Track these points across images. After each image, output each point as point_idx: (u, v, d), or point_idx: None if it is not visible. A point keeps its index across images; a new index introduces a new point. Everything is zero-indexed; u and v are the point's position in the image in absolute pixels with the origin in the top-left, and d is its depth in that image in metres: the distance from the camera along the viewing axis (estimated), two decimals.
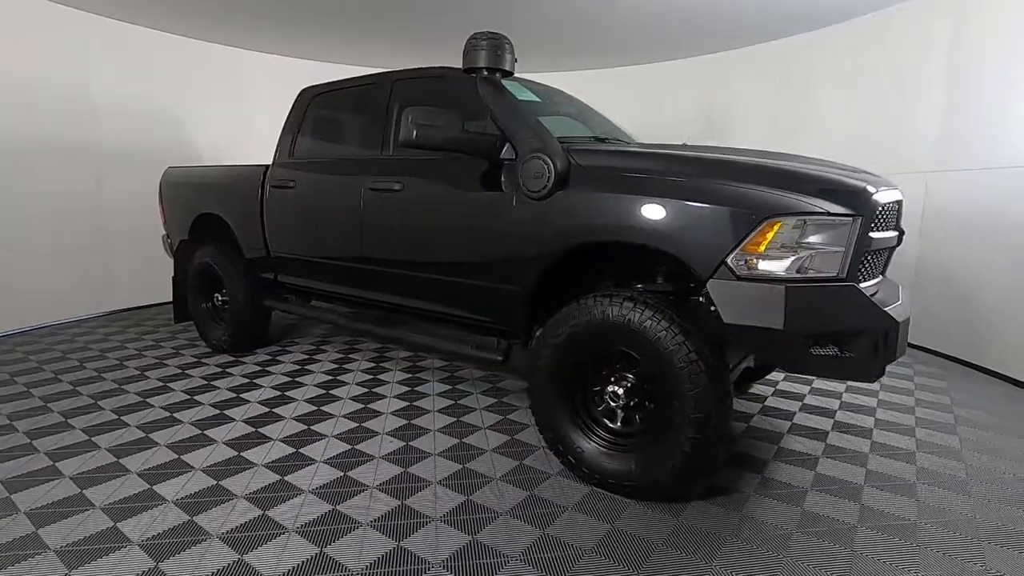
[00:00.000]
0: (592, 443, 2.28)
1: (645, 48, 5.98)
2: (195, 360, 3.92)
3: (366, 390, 3.37)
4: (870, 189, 2.02)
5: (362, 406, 3.11)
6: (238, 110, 6.17)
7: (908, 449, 2.67)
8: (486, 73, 2.53)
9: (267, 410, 3.04)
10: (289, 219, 3.53)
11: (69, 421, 2.88)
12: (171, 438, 2.69)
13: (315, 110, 3.61)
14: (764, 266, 1.92)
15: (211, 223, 4.06)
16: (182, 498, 2.17)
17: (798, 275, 1.91)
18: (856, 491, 2.28)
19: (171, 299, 4.34)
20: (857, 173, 2.29)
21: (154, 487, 2.25)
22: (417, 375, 3.64)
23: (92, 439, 2.67)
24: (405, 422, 2.90)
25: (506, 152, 2.53)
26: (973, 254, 3.87)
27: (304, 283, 3.66)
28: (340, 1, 4.68)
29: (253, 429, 2.80)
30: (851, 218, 1.91)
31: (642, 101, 6.44)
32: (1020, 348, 3.56)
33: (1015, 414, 3.12)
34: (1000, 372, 3.70)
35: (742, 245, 1.92)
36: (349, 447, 2.62)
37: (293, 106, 3.67)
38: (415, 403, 3.17)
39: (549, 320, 2.35)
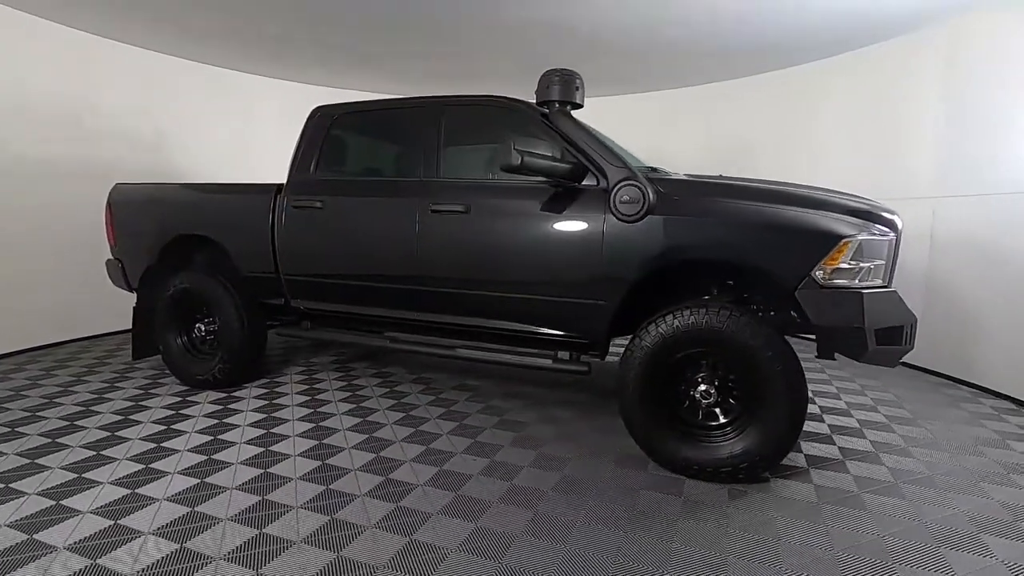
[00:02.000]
0: (693, 439, 2.55)
1: (649, 77, 6.11)
2: (180, 399, 3.44)
3: (403, 413, 3.22)
4: (896, 215, 2.60)
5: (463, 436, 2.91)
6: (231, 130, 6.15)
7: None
8: (558, 106, 2.78)
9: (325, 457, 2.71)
10: (315, 241, 3.39)
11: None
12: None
13: (338, 131, 3.52)
14: (838, 277, 2.37)
15: (188, 245, 3.79)
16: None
17: (860, 283, 2.39)
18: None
19: (115, 331, 3.81)
20: (871, 202, 2.74)
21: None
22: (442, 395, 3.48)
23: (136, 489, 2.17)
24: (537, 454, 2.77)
25: (587, 178, 2.77)
26: (982, 278, 3.89)
27: (329, 307, 3.51)
28: (329, 32, 4.84)
29: (384, 477, 2.49)
30: (890, 237, 2.46)
31: (648, 129, 6.38)
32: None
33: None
34: (1005, 393, 3.76)
35: (823, 260, 2.36)
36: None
37: (309, 126, 3.52)
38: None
39: (641, 330, 2.57)
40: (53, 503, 2.24)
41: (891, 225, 2.51)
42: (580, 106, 2.85)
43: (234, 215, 3.64)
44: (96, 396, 3.56)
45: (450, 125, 3.19)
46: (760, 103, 5.88)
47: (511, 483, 2.47)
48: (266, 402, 3.47)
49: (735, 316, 2.42)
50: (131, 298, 3.92)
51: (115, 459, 2.64)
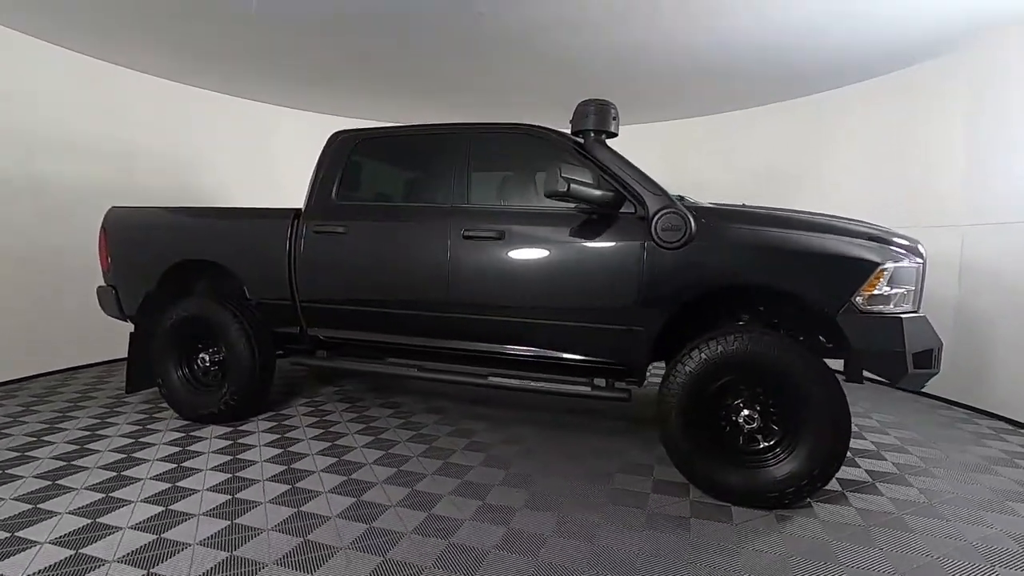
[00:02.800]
0: (738, 465, 2.55)
1: (663, 106, 6.11)
2: (183, 435, 3.19)
3: (425, 444, 2.97)
4: (920, 244, 2.71)
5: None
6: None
7: None
8: (593, 135, 2.83)
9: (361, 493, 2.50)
10: (337, 267, 3.31)
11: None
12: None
13: (360, 156, 3.45)
14: (875, 303, 2.47)
15: (190, 272, 3.67)
16: None
17: (895, 309, 2.48)
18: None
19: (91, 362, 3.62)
20: (889, 230, 2.81)
21: None
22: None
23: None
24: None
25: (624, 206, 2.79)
26: (1014, 305, 3.82)
27: (350, 335, 3.40)
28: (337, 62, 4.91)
29: (426, 513, 2.28)
30: (919, 265, 2.58)
31: (664, 158, 6.18)
32: None
33: None
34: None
35: (862, 287, 2.45)
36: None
37: (329, 151, 3.44)
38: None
39: (684, 355, 2.57)
40: (71, 552, 2.04)
41: (918, 253, 2.64)
42: (615, 135, 2.90)
43: (248, 240, 3.51)
44: (89, 433, 3.31)
45: (479, 152, 3.19)
46: (782, 131, 5.84)
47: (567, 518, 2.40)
48: (278, 435, 3.31)
49: (779, 341, 2.48)
50: (104, 328, 3.71)
51: (128, 501, 2.45)
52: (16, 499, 2.45)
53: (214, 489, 2.58)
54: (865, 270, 2.48)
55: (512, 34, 4.32)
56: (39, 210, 4.55)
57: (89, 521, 2.27)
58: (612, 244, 2.79)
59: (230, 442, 3.19)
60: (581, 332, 2.89)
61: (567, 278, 2.87)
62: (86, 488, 2.57)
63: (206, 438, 3.25)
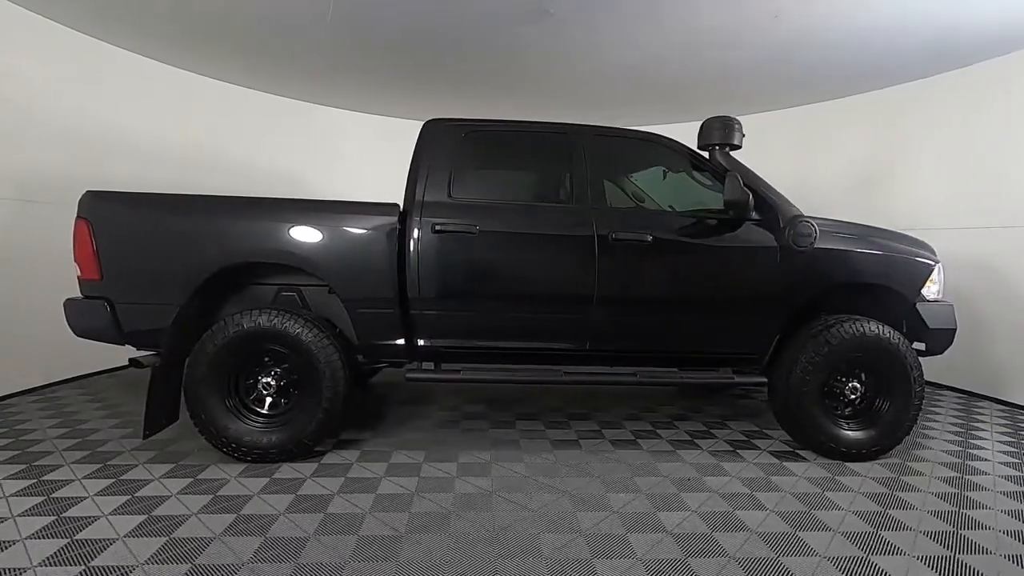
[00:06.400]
0: (844, 428, 3.19)
1: (730, 101, 5.83)
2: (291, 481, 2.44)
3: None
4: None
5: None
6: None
7: None
8: (717, 148, 3.17)
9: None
10: (467, 271, 3.11)
11: None
12: None
13: (469, 149, 3.23)
14: (930, 295, 3.31)
15: (239, 277, 3.15)
16: None
17: (939, 297, 3.34)
18: None
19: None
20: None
21: None
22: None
23: None
24: None
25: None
26: None
27: (477, 344, 3.17)
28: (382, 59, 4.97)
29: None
30: (941, 263, 3.36)
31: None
32: None
33: None
34: None
35: (927, 281, 3.28)
36: None
37: (432, 142, 3.18)
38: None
39: (814, 339, 3.09)
40: None
41: (936, 254, 3.41)
42: (739, 147, 3.20)
43: (346, 239, 3.01)
44: (142, 511, 2.68)
45: (603, 153, 3.23)
46: (850, 126, 5.62)
47: None
48: (382, 463, 2.87)
49: (883, 326, 3.11)
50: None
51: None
52: None
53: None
54: (928, 269, 3.29)
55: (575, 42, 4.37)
56: None
57: None
58: (752, 246, 3.13)
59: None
60: (726, 327, 3.21)
61: (714, 277, 3.15)
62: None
63: (295, 480, 2.75)
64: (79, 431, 3.47)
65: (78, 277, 3.01)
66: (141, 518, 2.40)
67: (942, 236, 4.19)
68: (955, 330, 3.34)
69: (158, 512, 2.45)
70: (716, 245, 3.14)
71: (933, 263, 3.31)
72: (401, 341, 3.12)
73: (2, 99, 4.11)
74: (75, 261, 2.98)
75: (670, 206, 3.44)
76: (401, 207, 3.13)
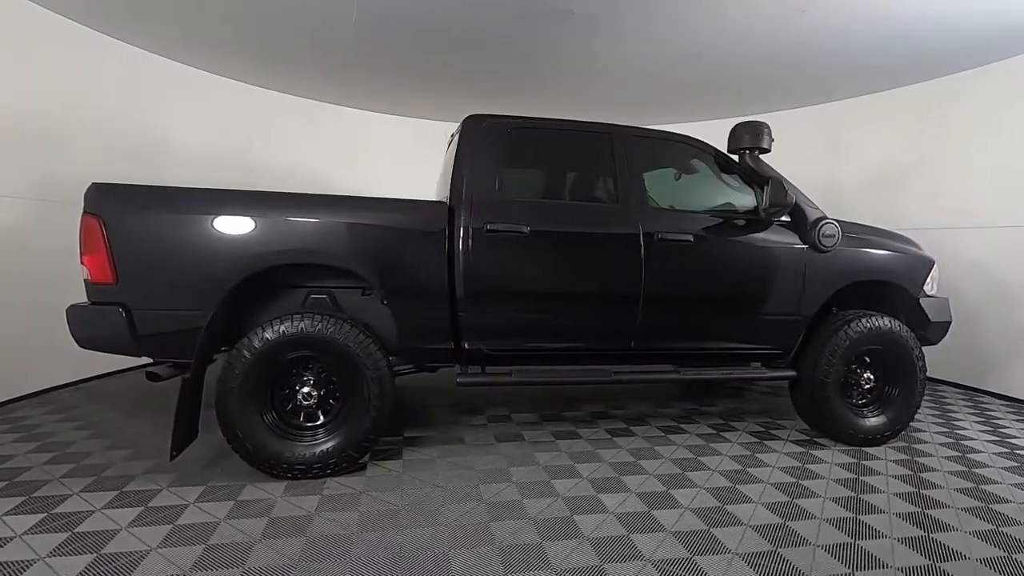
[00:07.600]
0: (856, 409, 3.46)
1: (764, 98, 5.76)
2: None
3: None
4: None
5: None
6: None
7: None
8: (747, 152, 3.26)
9: None
10: (522, 272, 3.02)
11: None
12: None
13: (516, 147, 3.16)
14: (931, 290, 3.63)
15: (271, 280, 2.88)
16: None
17: (937, 292, 3.65)
18: None
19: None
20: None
21: None
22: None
23: None
24: None
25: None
26: None
27: (527, 346, 3.12)
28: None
29: None
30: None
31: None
32: None
33: None
34: None
35: (928, 278, 3.59)
36: None
37: (475, 139, 3.07)
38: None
39: (836, 334, 3.32)
40: None
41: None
42: (768, 151, 3.30)
43: (391, 238, 2.85)
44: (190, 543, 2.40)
45: (640, 154, 3.29)
46: (889, 123, 5.38)
47: None
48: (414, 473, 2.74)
49: (898, 323, 3.41)
50: None
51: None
52: None
53: None
54: (930, 266, 3.61)
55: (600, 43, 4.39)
56: None
57: None
58: (783, 247, 3.29)
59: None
60: (762, 324, 3.34)
61: (750, 277, 3.28)
62: None
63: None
64: (68, 455, 3.07)
65: (85, 281, 2.66)
66: (199, 548, 2.16)
67: (991, 234, 4.67)
68: (951, 322, 3.70)
69: (213, 541, 2.22)
70: (751, 245, 3.26)
71: (933, 260, 3.64)
72: (448, 344, 3.01)
73: (62, 107, 4.29)
74: (82, 263, 2.64)
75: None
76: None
